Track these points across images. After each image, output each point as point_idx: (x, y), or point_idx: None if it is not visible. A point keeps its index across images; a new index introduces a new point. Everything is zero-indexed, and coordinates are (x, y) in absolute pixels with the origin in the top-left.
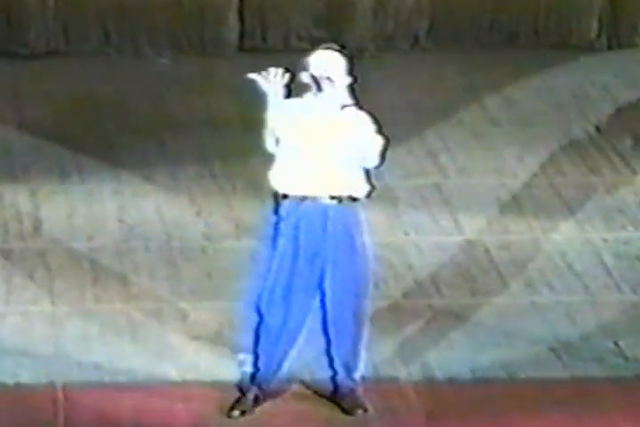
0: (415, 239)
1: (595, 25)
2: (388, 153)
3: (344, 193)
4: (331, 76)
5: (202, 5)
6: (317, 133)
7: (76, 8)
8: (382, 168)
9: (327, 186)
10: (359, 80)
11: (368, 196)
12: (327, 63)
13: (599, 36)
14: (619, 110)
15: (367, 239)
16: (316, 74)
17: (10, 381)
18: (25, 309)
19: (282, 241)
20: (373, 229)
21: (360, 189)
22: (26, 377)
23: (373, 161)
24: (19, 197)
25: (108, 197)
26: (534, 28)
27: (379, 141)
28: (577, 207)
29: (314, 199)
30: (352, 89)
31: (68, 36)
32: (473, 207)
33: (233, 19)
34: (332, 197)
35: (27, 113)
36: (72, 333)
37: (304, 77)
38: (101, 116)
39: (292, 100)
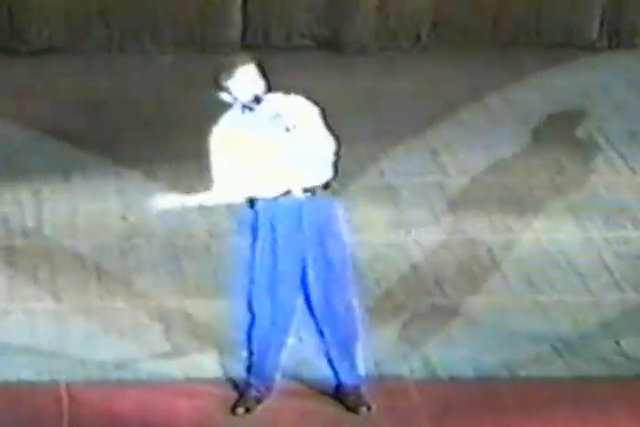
0: (417, 238)
1: (596, 25)
2: (390, 151)
3: (315, 183)
4: (257, 94)
5: (204, 2)
6: (264, 141)
7: (77, 5)
8: (384, 167)
9: (297, 180)
10: (360, 78)
11: (334, 178)
12: (248, 86)
13: (600, 36)
14: (619, 110)
15: (368, 237)
16: (242, 100)
17: (13, 379)
18: (28, 306)
19: (260, 238)
20: (375, 228)
21: (326, 174)
22: (29, 375)
23: (326, 164)
24: (21, 195)
25: (110, 195)
26: (536, 28)
27: (330, 145)
28: (578, 206)
29: (287, 195)
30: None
31: (70, 32)
32: (474, 206)
33: (236, 16)
34: (305, 190)
35: (28, 110)
36: (75, 330)
37: (225, 97)
38: (103, 113)
39: (227, 122)
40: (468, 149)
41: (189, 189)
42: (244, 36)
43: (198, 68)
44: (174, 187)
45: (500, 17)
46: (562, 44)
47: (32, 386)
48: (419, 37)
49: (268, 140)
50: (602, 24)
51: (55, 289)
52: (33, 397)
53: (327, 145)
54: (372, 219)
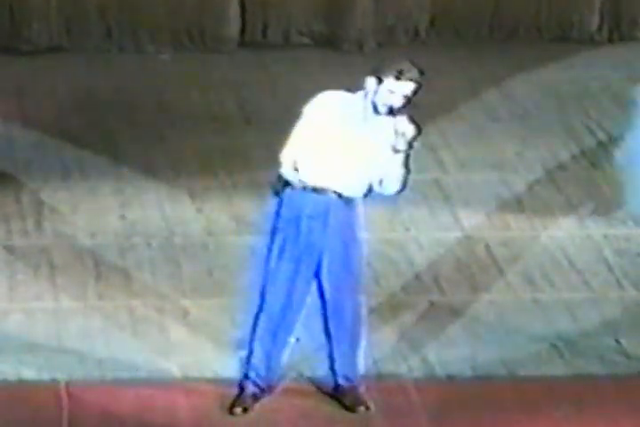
0: (415, 235)
1: (595, 18)
2: None
3: (346, 193)
4: (393, 105)
5: (202, 1)
6: (350, 139)
7: (77, 4)
8: None
9: (334, 182)
10: (358, 75)
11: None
12: (393, 95)
13: (600, 29)
14: (619, 104)
15: (366, 235)
16: (375, 99)
17: (13, 377)
18: (28, 305)
19: (282, 228)
20: (374, 225)
21: (360, 191)
22: (29, 373)
23: (390, 188)
24: (21, 194)
25: (109, 194)
26: (535, 22)
27: (399, 171)
28: (577, 203)
29: (318, 191)
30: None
31: (70, 32)
32: (473, 203)
33: (234, 14)
34: (334, 193)
35: (28, 109)
36: (75, 329)
37: (369, 82)
38: (103, 112)
39: (347, 101)
40: (467, 145)
41: (188, 189)
42: (242, 34)
43: (197, 66)
44: (173, 186)
45: (499, 11)
46: (561, 38)
47: (31, 385)
48: (417, 34)
49: (360, 142)
50: (601, 17)
51: (55, 288)
52: (32, 395)
53: (398, 180)
54: (369, 216)
